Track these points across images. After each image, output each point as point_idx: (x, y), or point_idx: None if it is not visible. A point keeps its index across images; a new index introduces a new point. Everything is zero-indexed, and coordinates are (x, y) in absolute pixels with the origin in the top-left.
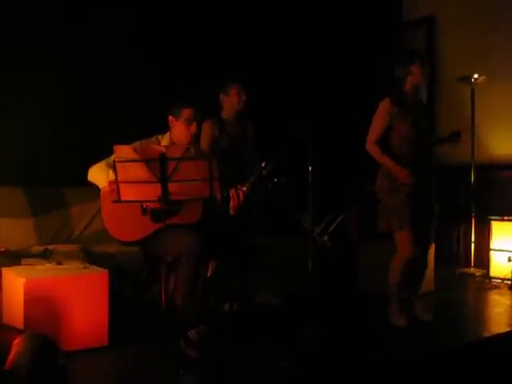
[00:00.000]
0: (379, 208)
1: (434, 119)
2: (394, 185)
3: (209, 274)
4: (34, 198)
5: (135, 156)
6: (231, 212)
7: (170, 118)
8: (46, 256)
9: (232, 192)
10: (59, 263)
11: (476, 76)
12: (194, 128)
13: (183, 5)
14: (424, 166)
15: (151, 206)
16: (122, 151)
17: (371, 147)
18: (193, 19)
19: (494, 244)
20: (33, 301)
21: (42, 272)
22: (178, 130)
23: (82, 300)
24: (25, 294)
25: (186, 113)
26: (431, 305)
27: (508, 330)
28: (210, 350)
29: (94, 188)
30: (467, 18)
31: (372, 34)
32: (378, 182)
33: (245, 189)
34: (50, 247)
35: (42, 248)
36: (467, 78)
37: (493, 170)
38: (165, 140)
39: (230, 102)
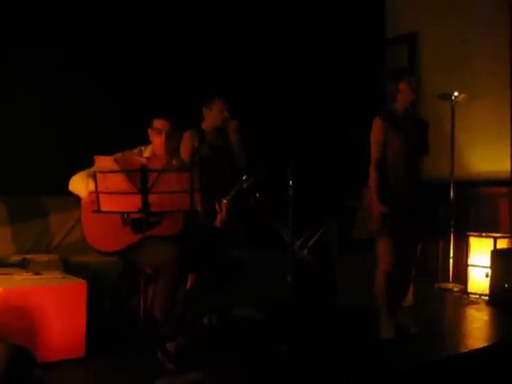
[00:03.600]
0: (361, 216)
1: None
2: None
3: (188, 287)
4: (13, 207)
5: (116, 166)
6: (217, 224)
7: (149, 130)
8: (23, 265)
9: (217, 205)
10: (37, 273)
11: (456, 93)
12: (162, 138)
13: (165, 18)
14: (413, 179)
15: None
16: (103, 162)
17: (372, 171)
18: (176, 35)
19: (471, 260)
20: (9, 311)
21: (20, 282)
22: (153, 141)
23: (60, 310)
24: (1, 303)
25: (156, 123)
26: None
27: (485, 345)
28: (187, 362)
29: (74, 197)
30: (449, 35)
31: (355, 51)
32: (364, 191)
33: (225, 201)
34: (28, 257)
35: (19, 257)
36: (447, 96)
37: (471, 186)
38: (147, 151)
39: (212, 116)
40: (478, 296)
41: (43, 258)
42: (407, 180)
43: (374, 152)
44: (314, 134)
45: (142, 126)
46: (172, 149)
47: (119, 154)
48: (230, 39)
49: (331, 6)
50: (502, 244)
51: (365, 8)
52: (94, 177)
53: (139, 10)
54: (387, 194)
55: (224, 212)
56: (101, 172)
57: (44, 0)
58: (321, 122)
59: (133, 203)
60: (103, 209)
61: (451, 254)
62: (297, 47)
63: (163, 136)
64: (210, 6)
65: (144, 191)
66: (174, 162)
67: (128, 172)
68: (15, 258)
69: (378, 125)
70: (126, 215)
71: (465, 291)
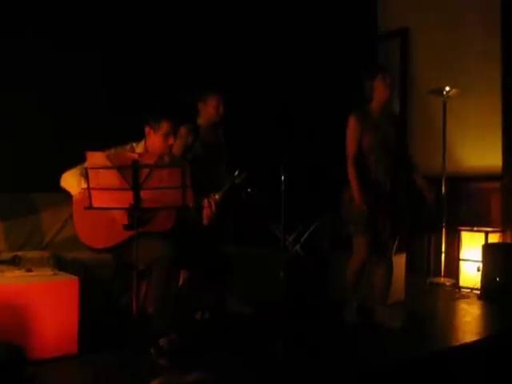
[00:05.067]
0: (342, 214)
1: (407, 131)
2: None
3: (180, 283)
4: (4, 204)
5: (108, 162)
6: (204, 221)
7: (148, 129)
8: (15, 262)
9: (205, 201)
10: (29, 270)
11: (448, 88)
12: (171, 140)
13: (159, 13)
14: (392, 178)
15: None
16: (95, 158)
17: (349, 167)
18: (171, 31)
19: (463, 254)
20: (1, 308)
21: (11, 279)
22: (154, 142)
23: (52, 307)
24: None
25: (165, 126)
26: (401, 313)
27: (476, 338)
28: (180, 358)
29: (66, 193)
30: (441, 31)
31: (347, 47)
32: (345, 190)
33: (217, 197)
34: (20, 253)
35: (11, 254)
36: (439, 91)
37: (463, 181)
38: (139, 148)
39: (207, 112)
40: (469, 290)
41: (35, 254)
42: (388, 177)
43: (350, 149)
44: (307, 130)
45: (133, 121)
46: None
47: (112, 150)
48: (224, 35)
49: (323, 2)
50: (494, 238)
51: (357, 4)
52: (85, 174)
53: (135, 4)
54: (366, 190)
55: (213, 208)
56: (93, 168)
57: None
58: (314, 119)
59: (125, 199)
60: (95, 205)
61: (443, 249)
62: (289, 45)
63: (171, 139)
64: (206, 3)
65: (136, 187)
66: (165, 157)
67: (120, 168)
68: (7, 255)
69: (352, 122)
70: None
71: (456, 285)
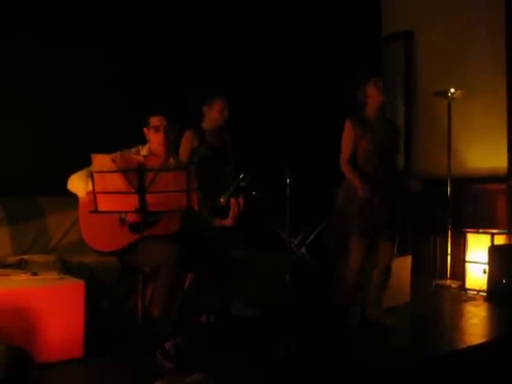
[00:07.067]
0: (337, 218)
1: (411, 133)
2: (349, 196)
3: (186, 286)
4: (10, 207)
5: (113, 165)
6: (229, 221)
7: (145, 129)
8: (21, 266)
9: (232, 201)
10: (35, 274)
11: (453, 90)
12: (160, 136)
13: (165, 16)
14: (384, 180)
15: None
16: (100, 160)
17: (343, 166)
18: (175, 35)
19: (469, 256)
20: (7, 312)
21: (17, 282)
22: (151, 140)
23: (58, 311)
24: None
25: (153, 121)
26: (405, 315)
27: (483, 341)
28: (186, 361)
29: (72, 197)
30: (445, 33)
31: (351, 50)
32: (339, 193)
33: (222, 200)
34: (26, 257)
35: (17, 258)
36: (444, 93)
37: (469, 183)
38: (144, 151)
39: (212, 115)
40: (475, 292)
41: (41, 258)
42: (381, 178)
43: (344, 153)
44: (311, 133)
45: (139, 125)
46: (171, 145)
47: (118, 153)
48: (230, 39)
49: (327, 4)
50: (500, 240)
51: (361, 6)
52: (91, 176)
53: (139, 6)
54: (366, 181)
55: (241, 207)
56: (98, 172)
57: None
58: (318, 121)
59: (130, 203)
60: (101, 209)
61: (449, 251)
62: (293, 48)
63: (162, 133)
64: (210, 4)
65: (141, 191)
66: (171, 160)
67: (125, 171)
68: (13, 259)
69: (347, 127)
70: (122, 216)
71: (463, 287)
